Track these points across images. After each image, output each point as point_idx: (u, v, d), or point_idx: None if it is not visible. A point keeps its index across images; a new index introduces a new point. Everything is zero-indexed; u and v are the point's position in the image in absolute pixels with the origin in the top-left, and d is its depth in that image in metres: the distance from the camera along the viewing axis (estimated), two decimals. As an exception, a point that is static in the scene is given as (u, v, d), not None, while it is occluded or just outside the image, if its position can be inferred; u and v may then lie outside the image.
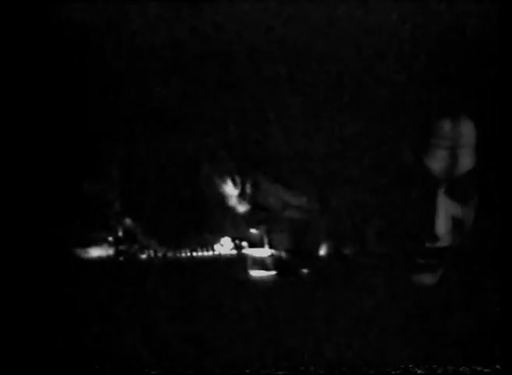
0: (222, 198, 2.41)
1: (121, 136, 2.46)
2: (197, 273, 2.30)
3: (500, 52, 1.85)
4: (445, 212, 1.77)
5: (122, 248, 2.33)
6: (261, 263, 2.42)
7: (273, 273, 2.41)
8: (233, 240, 2.40)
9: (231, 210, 2.38)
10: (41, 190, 2.32)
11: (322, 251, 2.40)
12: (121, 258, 2.31)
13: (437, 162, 1.77)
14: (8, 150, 2.22)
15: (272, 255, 2.41)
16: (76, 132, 2.36)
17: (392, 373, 1.69)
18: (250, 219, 2.39)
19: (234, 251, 2.41)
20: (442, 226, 1.80)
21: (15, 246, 2.22)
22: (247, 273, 2.39)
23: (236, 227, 2.37)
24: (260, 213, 2.38)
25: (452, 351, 1.80)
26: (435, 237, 1.92)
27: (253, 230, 2.40)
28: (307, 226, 2.35)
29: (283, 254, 2.43)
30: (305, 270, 2.37)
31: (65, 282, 2.21)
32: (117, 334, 2.13)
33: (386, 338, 1.89)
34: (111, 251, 2.33)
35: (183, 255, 2.35)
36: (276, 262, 2.41)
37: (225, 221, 2.40)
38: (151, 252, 2.35)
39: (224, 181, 2.50)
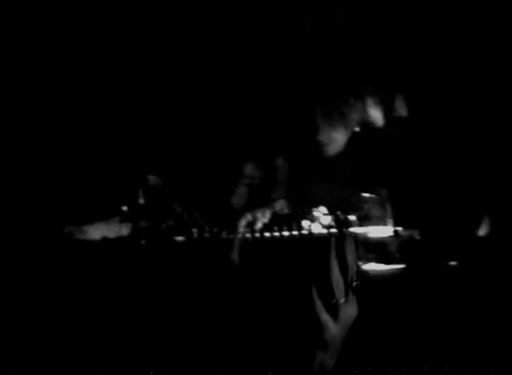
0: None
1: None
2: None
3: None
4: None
5: (143, 224, 1.36)
6: (380, 249, 1.45)
7: (400, 265, 1.46)
8: (332, 210, 1.43)
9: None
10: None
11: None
12: (143, 241, 1.33)
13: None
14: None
15: (397, 234, 1.44)
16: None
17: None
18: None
19: (334, 229, 1.45)
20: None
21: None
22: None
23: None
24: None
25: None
26: None
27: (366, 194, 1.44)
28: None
29: (417, 234, 1.47)
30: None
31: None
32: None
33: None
34: (125, 230, 1.35)
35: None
36: (406, 248, 1.46)
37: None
38: (195, 231, 1.37)
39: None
